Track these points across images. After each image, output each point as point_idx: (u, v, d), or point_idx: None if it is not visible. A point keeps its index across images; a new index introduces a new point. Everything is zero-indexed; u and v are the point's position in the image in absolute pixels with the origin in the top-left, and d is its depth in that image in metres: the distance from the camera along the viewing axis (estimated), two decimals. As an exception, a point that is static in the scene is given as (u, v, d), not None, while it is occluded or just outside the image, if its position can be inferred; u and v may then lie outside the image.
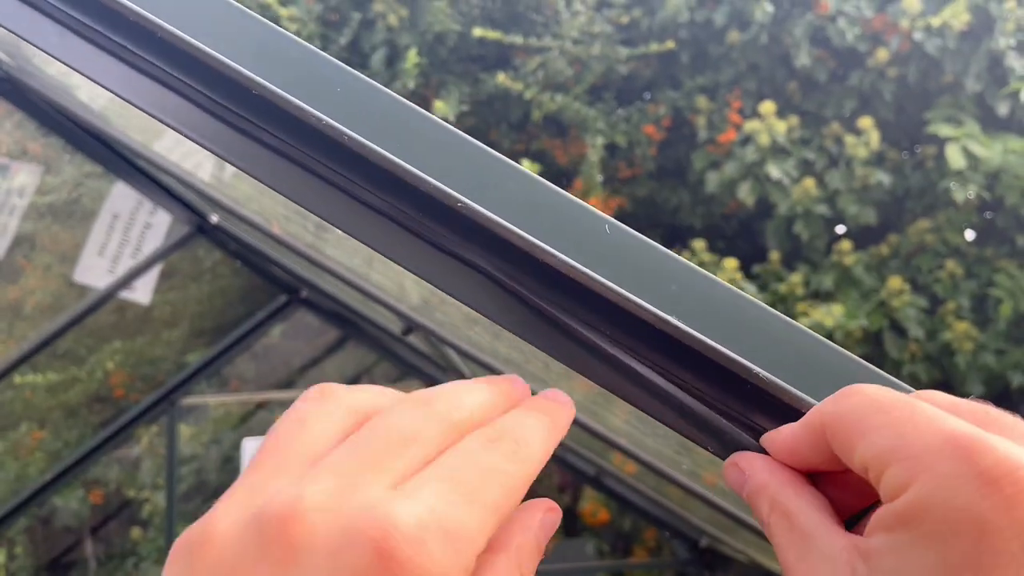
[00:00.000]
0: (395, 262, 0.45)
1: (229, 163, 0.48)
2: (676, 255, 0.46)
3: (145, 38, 0.47)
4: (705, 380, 0.43)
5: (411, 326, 1.50)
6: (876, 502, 0.33)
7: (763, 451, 0.39)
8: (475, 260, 0.46)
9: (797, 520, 0.34)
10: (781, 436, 0.38)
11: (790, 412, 0.41)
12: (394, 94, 0.47)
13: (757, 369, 0.41)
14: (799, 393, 0.41)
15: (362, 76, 0.48)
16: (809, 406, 0.41)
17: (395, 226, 0.46)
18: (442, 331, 1.46)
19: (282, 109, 0.45)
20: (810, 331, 0.44)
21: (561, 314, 0.46)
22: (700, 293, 0.45)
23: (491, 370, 1.38)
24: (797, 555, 0.33)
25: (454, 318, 1.31)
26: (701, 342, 0.41)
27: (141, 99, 0.48)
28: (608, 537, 4.09)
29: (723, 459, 0.42)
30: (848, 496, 0.36)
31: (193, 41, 0.46)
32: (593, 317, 0.45)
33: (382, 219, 0.46)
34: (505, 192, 0.46)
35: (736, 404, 0.44)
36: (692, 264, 0.46)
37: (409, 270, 0.45)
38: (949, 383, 3.60)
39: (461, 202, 0.44)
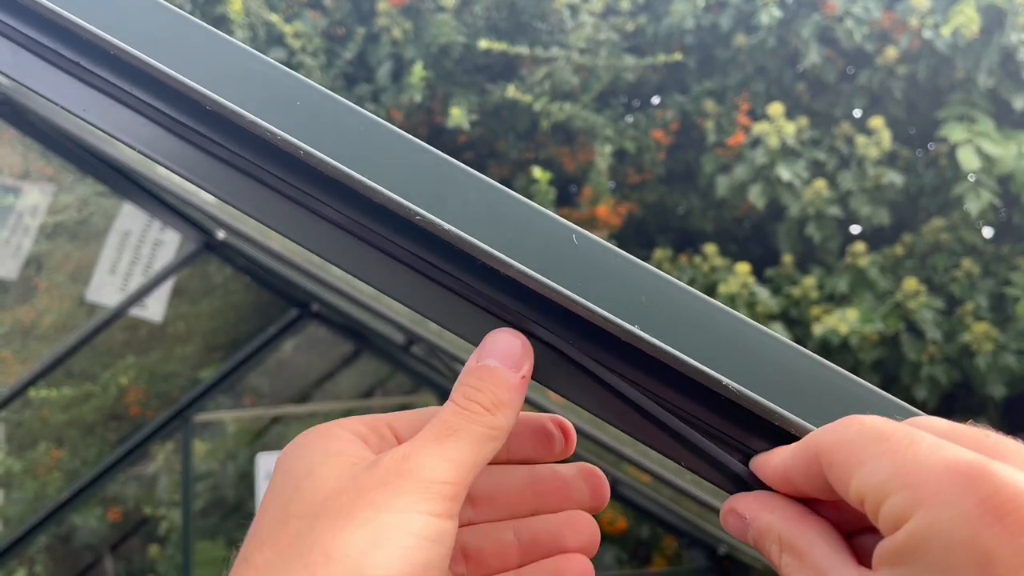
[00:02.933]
0: (353, 275, 0.44)
1: (184, 177, 0.47)
2: (647, 264, 0.45)
3: (95, 52, 0.46)
4: (678, 392, 0.42)
5: (413, 339, 1.48)
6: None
7: (749, 476, 0.38)
8: (437, 273, 0.44)
9: (809, 557, 0.33)
10: (773, 462, 0.36)
11: (765, 425, 0.39)
12: (352, 105, 0.46)
13: (726, 380, 0.39)
14: (771, 405, 0.39)
15: (320, 88, 0.46)
16: (785, 420, 0.39)
17: (353, 239, 0.45)
18: (441, 342, 1.44)
19: (234, 123, 0.44)
20: (785, 339, 0.43)
21: (531, 327, 0.44)
22: (670, 303, 0.43)
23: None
24: None
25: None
26: (666, 352, 0.40)
27: (101, 119, 0.47)
28: (627, 545, 4.05)
29: (702, 476, 0.40)
30: (845, 521, 0.34)
31: (143, 55, 0.44)
32: (559, 328, 0.43)
33: (341, 232, 0.45)
34: (467, 203, 0.45)
35: (711, 418, 0.42)
36: (663, 274, 0.44)
37: (368, 283, 0.44)
38: (969, 385, 3.54)
39: (419, 215, 0.42)
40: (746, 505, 0.37)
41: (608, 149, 3.52)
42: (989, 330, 3.37)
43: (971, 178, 3.29)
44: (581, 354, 0.43)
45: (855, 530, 0.34)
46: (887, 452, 0.30)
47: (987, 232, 3.99)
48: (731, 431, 0.41)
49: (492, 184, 0.45)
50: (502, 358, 0.39)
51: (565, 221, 0.45)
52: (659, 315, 0.43)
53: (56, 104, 0.47)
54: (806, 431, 0.38)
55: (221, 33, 0.46)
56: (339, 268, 0.44)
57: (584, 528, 0.42)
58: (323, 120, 0.45)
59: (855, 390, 0.41)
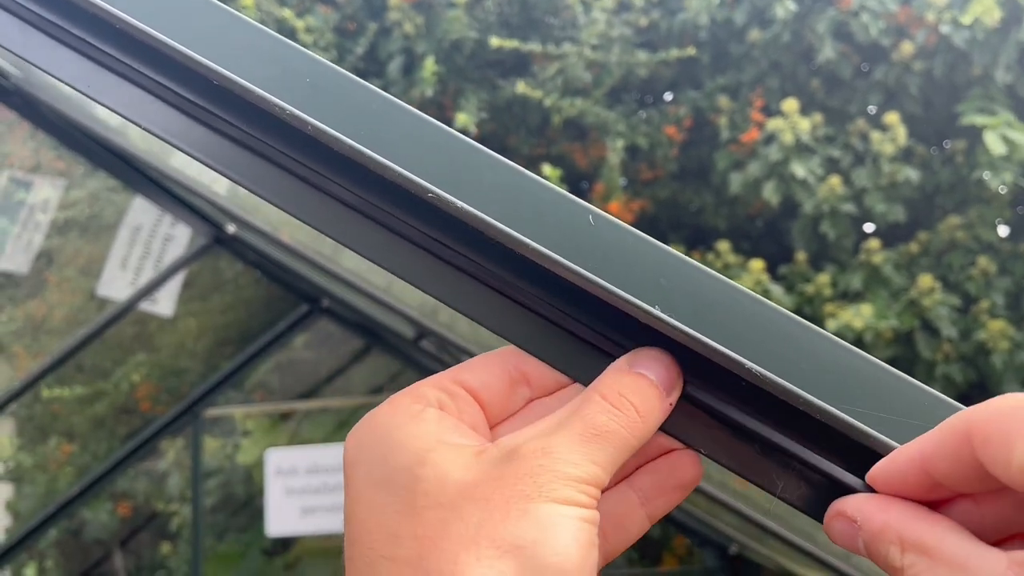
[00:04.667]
0: (361, 254, 0.43)
1: (192, 156, 0.45)
2: (665, 246, 0.43)
3: (104, 30, 0.45)
4: (697, 376, 0.40)
5: (423, 332, 1.47)
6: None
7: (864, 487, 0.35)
8: (451, 255, 0.43)
9: (941, 551, 0.30)
10: (898, 461, 0.33)
11: (790, 410, 0.38)
12: (364, 82, 0.45)
13: (749, 364, 0.38)
14: (798, 390, 0.38)
15: (330, 64, 0.45)
16: (809, 404, 0.37)
17: (363, 219, 0.43)
18: (452, 336, 1.43)
19: (242, 98, 0.42)
20: (811, 324, 0.41)
21: (547, 310, 0.43)
22: (690, 285, 0.41)
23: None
24: None
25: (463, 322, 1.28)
26: (686, 334, 0.38)
27: (105, 95, 0.46)
28: (638, 544, 4.05)
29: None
30: (976, 523, 0.31)
31: (151, 31, 0.43)
32: (578, 312, 0.42)
33: (350, 212, 0.43)
34: (481, 182, 0.43)
35: (733, 402, 0.40)
36: (682, 255, 0.43)
37: (378, 264, 0.43)
38: (984, 384, 3.50)
39: (432, 192, 0.41)
40: (856, 507, 0.33)
41: (620, 145, 3.50)
42: (1005, 328, 3.34)
43: (1000, 152, 3.22)
44: (602, 339, 0.41)
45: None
46: None
47: (1003, 230, 3.95)
48: (753, 419, 0.40)
49: (506, 163, 0.44)
50: (658, 376, 0.37)
51: (582, 201, 0.43)
52: (680, 297, 0.41)
53: (61, 80, 0.46)
54: (838, 419, 0.37)
55: (228, 8, 0.45)
56: (348, 248, 0.43)
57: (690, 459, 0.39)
58: (333, 96, 0.44)
59: (885, 378, 0.40)
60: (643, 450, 0.38)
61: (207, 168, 0.44)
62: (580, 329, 0.42)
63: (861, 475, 0.35)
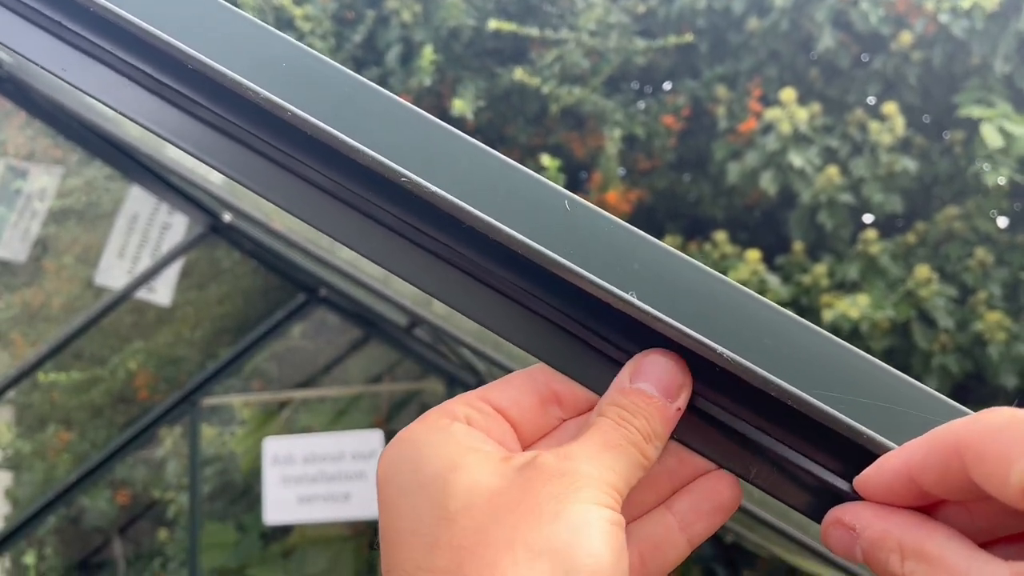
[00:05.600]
0: (336, 239, 0.43)
1: (168, 140, 0.45)
2: (640, 232, 0.43)
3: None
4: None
5: (416, 321, 1.47)
6: None
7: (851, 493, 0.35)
8: (427, 241, 0.43)
9: (943, 559, 0.30)
10: (889, 465, 0.33)
11: (770, 401, 0.38)
12: (339, 66, 0.44)
13: (720, 349, 0.37)
14: (770, 376, 0.38)
15: (306, 48, 0.45)
16: (785, 393, 0.37)
17: (338, 203, 0.43)
18: (446, 325, 1.43)
19: (216, 82, 0.42)
20: (787, 312, 0.41)
21: (521, 296, 0.43)
22: (664, 271, 0.41)
23: (496, 364, 1.36)
24: None
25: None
26: (659, 320, 0.38)
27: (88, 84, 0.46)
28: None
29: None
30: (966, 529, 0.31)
31: (126, 14, 0.43)
32: (550, 297, 0.42)
33: (324, 196, 0.43)
34: (456, 167, 0.43)
35: (711, 393, 0.40)
36: (657, 241, 0.43)
37: (347, 245, 0.42)
38: (981, 375, 3.50)
39: (405, 177, 0.41)
40: (855, 515, 0.33)
41: (618, 134, 3.49)
42: (1002, 319, 3.34)
43: (996, 145, 3.21)
44: (572, 322, 0.41)
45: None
46: None
47: (1002, 222, 3.95)
48: (729, 406, 0.40)
49: (482, 147, 0.43)
50: (659, 385, 0.37)
51: (558, 187, 0.43)
52: (654, 283, 0.41)
53: (36, 64, 0.46)
54: (817, 410, 0.36)
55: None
56: (319, 231, 0.43)
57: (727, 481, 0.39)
58: (307, 80, 0.44)
59: (873, 371, 0.39)
60: (676, 471, 0.38)
61: (184, 152, 0.44)
62: (579, 330, 0.41)
63: (848, 477, 0.35)
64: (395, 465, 0.35)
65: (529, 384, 0.39)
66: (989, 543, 0.31)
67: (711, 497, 0.38)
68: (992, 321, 3.35)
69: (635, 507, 0.38)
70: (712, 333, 0.39)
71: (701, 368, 0.38)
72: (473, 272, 0.43)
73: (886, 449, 0.34)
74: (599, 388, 0.39)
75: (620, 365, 0.39)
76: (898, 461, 0.32)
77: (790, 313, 0.41)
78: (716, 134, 3.86)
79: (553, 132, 4.01)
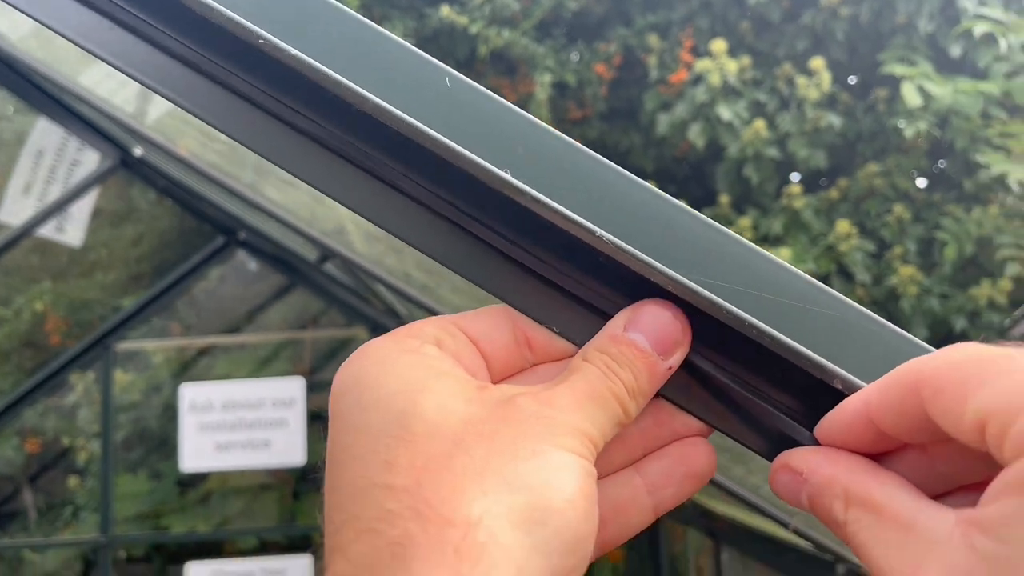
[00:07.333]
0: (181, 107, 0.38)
1: (111, 66, 0.40)
2: (527, 114, 0.40)
3: None
4: (549, 250, 0.37)
5: (327, 254, 1.43)
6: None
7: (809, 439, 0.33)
8: (287, 112, 0.39)
9: (886, 508, 0.28)
10: (844, 412, 0.31)
11: (636, 280, 0.35)
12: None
13: (599, 231, 0.35)
14: (652, 262, 0.35)
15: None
16: (675, 282, 0.34)
17: (196, 74, 0.39)
18: (359, 259, 1.39)
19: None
20: (668, 196, 0.38)
21: (400, 181, 0.39)
22: (550, 154, 0.38)
23: (421, 306, 1.32)
24: (895, 549, 0.28)
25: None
26: (537, 200, 0.35)
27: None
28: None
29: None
30: (922, 479, 0.30)
31: None
32: (424, 180, 0.38)
33: (177, 64, 0.39)
34: (327, 35, 0.39)
35: (594, 286, 0.38)
36: (545, 125, 0.40)
37: (199, 117, 0.38)
38: (894, 328, 3.61)
39: (263, 39, 0.36)
40: (803, 459, 0.32)
41: (548, 80, 3.45)
42: (915, 274, 3.43)
43: (915, 103, 3.28)
44: (468, 219, 0.38)
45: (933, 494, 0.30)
46: (1015, 369, 0.25)
47: (921, 181, 4.05)
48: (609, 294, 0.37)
49: (355, 17, 0.39)
50: (654, 339, 0.34)
51: (438, 62, 0.40)
52: (536, 165, 0.38)
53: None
54: (694, 295, 0.34)
55: None
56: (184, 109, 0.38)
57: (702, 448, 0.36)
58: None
59: (711, 234, 0.37)
60: (651, 431, 0.36)
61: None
62: (533, 262, 0.38)
63: (810, 426, 0.34)
64: (355, 379, 0.32)
65: (504, 320, 0.36)
66: (946, 493, 0.30)
67: (685, 463, 0.36)
68: (906, 276, 3.44)
69: (603, 464, 0.36)
70: (613, 229, 0.36)
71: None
72: (347, 155, 0.39)
73: (833, 374, 0.33)
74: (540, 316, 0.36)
75: (559, 290, 0.36)
76: (858, 402, 0.31)
77: (712, 222, 0.39)
78: (647, 85, 3.85)
79: (483, 77, 3.94)
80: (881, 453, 0.31)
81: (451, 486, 0.29)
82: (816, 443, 0.33)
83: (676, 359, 0.34)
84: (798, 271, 0.38)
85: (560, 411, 0.31)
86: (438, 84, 0.39)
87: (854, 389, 0.32)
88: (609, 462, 0.36)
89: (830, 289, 0.38)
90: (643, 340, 0.33)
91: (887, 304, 3.55)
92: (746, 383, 0.36)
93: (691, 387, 0.36)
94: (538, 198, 0.35)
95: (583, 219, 0.35)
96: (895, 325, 0.36)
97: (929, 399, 0.28)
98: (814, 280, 0.38)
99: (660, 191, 0.40)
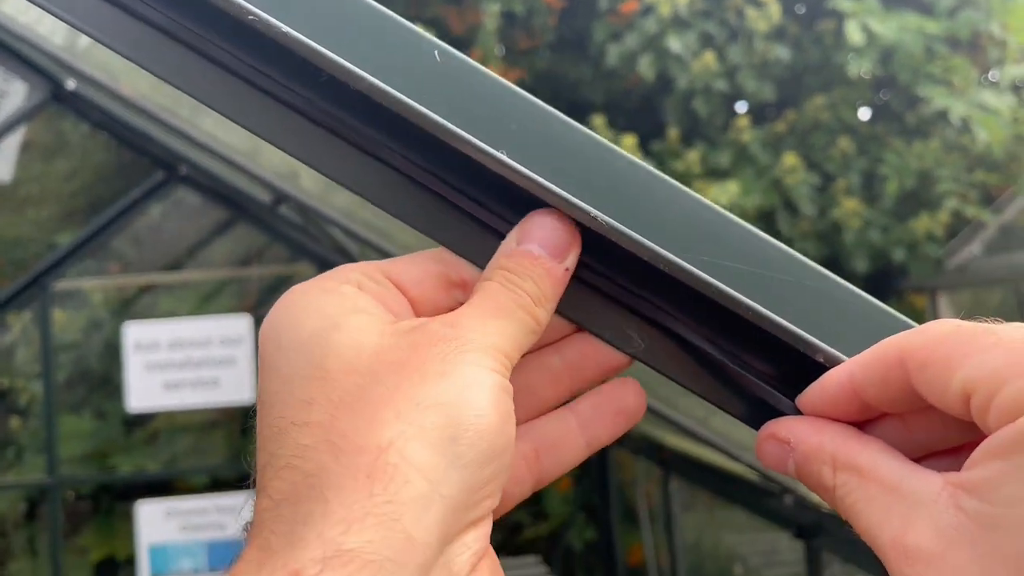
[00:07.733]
0: (168, 82, 0.36)
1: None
2: (518, 89, 0.38)
3: None
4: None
5: (281, 198, 1.39)
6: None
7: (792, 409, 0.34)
8: (278, 88, 0.37)
9: (873, 471, 0.30)
10: (828, 383, 0.33)
11: (625, 255, 0.35)
12: None
13: (594, 212, 0.34)
14: (644, 242, 0.35)
15: None
16: (656, 256, 0.34)
17: (177, 44, 0.37)
18: (313, 203, 1.36)
19: None
20: (656, 171, 0.38)
21: (390, 156, 0.38)
22: (543, 132, 0.37)
23: (370, 245, 1.30)
24: (885, 510, 0.29)
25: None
26: (528, 178, 0.34)
27: None
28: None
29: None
30: (906, 444, 0.31)
31: None
32: (412, 153, 0.37)
33: (169, 40, 0.37)
34: (312, 8, 0.37)
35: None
36: (538, 101, 0.38)
37: (183, 90, 0.36)
38: (837, 260, 3.70)
39: (253, 15, 0.34)
40: (789, 428, 0.33)
41: (495, 9, 3.37)
42: (858, 206, 3.50)
43: (857, 41, 3.31)
44: (443, 185, 0.37)
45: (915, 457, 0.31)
46: (998, 344, 0.27)
47: (864, 113, 4.09)
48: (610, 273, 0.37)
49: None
50: (546, 245, 0.34)
51: (427, 35, 0.38)
52: (531, 143, 0.37)
53: None
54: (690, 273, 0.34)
55: None
56: (156, 76, 0.36)
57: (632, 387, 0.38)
58: None
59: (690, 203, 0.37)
60: (578, 365, 0.37)
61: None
62: (462, 200, 0.37)
63: (791, 395, 0.35)
64: (276, 323, 0.33)
65: (435, 265, 0.36)
66: (923, 457, 0.32)
67: (615, 401, 0.38)
68: (849, 208, 3.51)
69: (536, 403, 0.37)
70: (595, 200, 0.36)
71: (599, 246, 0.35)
72: (336, 129, 0.37)
73: (816, 348, 0.34)
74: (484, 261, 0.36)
75: (493, 232, 0.36)
76: (841, 375, 0.32)
77: (676, 183, 0.38)
78: (597, 14, 3.79)
79: (428, 4, 3.84)
80: (862, 422, 0.33)
81: (365, 416, 0.29)
82: (797, 412, 0.34)
83: (571, 260, 0.35)
84: (762, 235, 0.38)
85: (467, 329, 0.32)
86: (426, 55, 0.38)
87: (836, 362, 0.33)
88: (543, 399, 0.37)
89: (792, 251, 0.39)
90: (537, 247, 0.34)
91: (831, 236, 3.62)
92: (726, 351, 0.37)
93: (675, 354, 0.37)
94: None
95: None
96: (837, 256, 0.37)
97: (915, 372, 0.29)
98: (786, 248, 0.38)
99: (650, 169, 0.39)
